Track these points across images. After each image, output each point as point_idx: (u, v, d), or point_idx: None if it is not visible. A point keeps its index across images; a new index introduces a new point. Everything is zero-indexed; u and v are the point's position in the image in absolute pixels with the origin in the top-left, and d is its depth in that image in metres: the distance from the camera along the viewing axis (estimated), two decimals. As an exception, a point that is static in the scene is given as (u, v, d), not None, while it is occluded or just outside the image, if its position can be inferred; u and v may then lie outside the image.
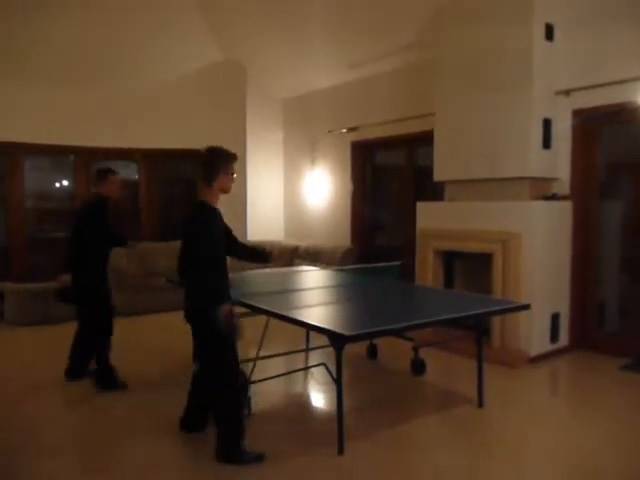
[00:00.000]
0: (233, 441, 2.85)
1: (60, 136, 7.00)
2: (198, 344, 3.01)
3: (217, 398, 2.90)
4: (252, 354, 3.78)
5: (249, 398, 3.45)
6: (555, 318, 4.77)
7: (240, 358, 3.64)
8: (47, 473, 2.80)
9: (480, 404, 3.63)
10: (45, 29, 6.14)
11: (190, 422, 3.22)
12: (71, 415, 3.63)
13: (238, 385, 2.93)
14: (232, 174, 2.94)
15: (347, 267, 5.59)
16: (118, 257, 6.20)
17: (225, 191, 2.92)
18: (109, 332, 4.08)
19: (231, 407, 2.88)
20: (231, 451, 2.85)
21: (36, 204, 7.26)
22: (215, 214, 2.90)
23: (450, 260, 5.36)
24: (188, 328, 2.95)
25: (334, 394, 3.05)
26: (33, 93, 6.80)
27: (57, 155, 7.41)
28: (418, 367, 4.32)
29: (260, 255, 3.45)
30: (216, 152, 2.92)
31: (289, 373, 4.29)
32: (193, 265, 2.83)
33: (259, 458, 2.87)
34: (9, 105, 6.71)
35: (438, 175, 5.33)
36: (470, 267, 5.33)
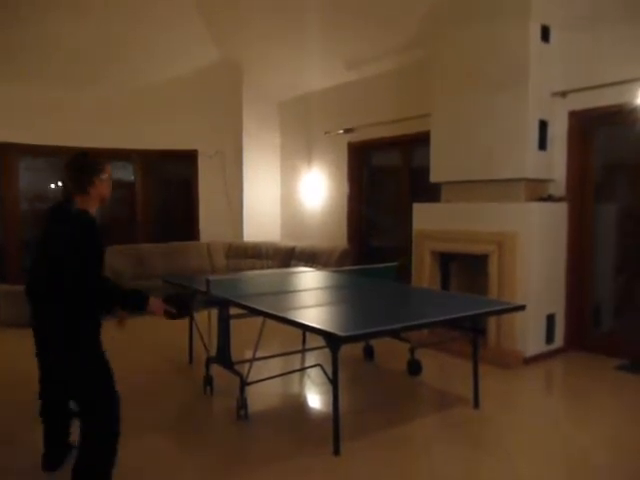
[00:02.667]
0: None
1: (55, 136, 6.98)
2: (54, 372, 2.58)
3: (90, 442, 2.34)
4: (248, 355, 3.77)
5: (245, 399, 3.44)
6: (550, 319, 4.78)
7: (236, 359, 3.66)
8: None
9: (476, 405, 3.64)
10: (38, 29, 6.12)
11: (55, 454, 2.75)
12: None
13: (114, 429, 2.37)
14: (106, 180, 2.53)
15: (344, 268, 5.59)
16: (115, 258, 6.18)
17: (104, 198, 2.54)
18: None
19: (105, 457, 2.34)
20: None
21: (31, 205, 7.23)
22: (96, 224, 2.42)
23: (446, 261, 5.37)
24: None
25: (330, 395, 3.04)
26: (27, 93, 6.79)
27: (52, 156, 7.38)
28: (414, 368, 4.32)
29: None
30: (82, 157, 2.54)
31: (285, 374, 4.28)
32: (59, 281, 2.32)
33: None
34: (3, 105, 6.69)
35: (434, 176, 5.34)
36: (466, 268, 5.33)
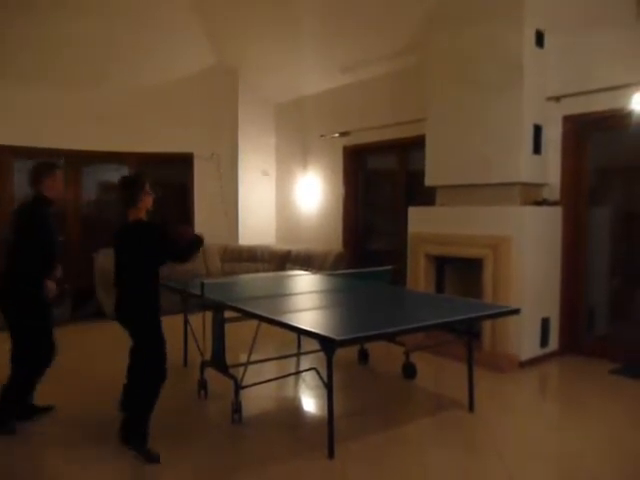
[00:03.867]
0: (141, 429, 3.01)
1: (50, 139, 6.96)
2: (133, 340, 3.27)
3: (140, 384, 3.13)
4: (243, 359, 3.76)
5: (240, 403, 3.44)
6: (545, 322, 4.79)
7: (231, 363, 3.65)
8: None
9: (471, 408, 3.64)
10: (33, 30, 6.11)
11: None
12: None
13: (161, 376, 3.10)
14: (149, 193, 3.28)
15: (339, 272, 5.59)
16: (109, 261, 6.13)
17: (149, 208, 3.31)
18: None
19: (148, 396, 3.06)
20: (137, 437, 3.00)
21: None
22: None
23: (441, 264, 5.38)
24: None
25: (325, 398, 3.04)
26: (22, 95, 6.75)
27: (47, 158, 7.34)
28: (409, 371, 4.32)
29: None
30: (131, 180, 3.35)
31: (280, 378, 4.28)
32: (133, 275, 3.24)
33: (155, 457, 2.93)
34: (1, 107, 6.67)
35: (429, 180, 5.35)
36: (461, 272, 5.35)
